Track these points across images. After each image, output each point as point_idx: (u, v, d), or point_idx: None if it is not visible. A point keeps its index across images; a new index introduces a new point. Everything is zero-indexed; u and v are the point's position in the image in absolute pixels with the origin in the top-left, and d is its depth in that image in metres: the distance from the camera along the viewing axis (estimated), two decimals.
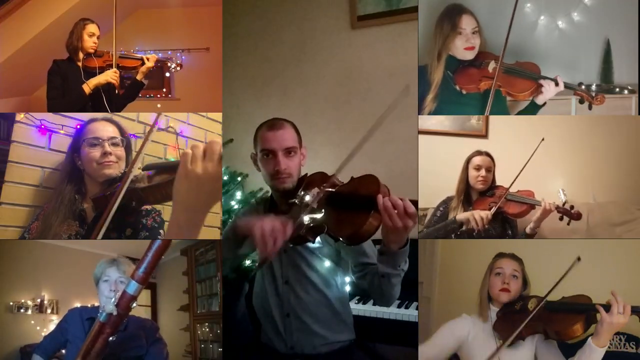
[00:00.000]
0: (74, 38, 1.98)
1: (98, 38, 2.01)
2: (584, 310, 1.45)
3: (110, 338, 1.20)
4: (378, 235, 1.34)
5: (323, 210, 1.38)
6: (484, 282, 1.67)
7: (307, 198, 1.43)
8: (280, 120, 1.61)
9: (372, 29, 2.68)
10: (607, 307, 1.40)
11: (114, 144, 1.68)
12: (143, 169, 1.59)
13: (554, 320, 1.48)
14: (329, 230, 1.35)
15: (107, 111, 1.96)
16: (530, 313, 1.48)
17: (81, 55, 1.99)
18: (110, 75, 1.98)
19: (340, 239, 1.34)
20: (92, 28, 1.99)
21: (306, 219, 1.36)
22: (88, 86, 1.95)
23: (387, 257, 1.44)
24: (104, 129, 1.69)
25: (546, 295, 1.49)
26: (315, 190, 1.44)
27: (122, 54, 2.06)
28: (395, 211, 1.27)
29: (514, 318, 1.55)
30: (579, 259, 1.45)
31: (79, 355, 1.18)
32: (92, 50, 2.00)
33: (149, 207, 1.70)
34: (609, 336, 1.39)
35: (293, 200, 1.48)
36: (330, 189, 1.41)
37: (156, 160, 2.03)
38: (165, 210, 1.83)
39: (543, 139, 1.83)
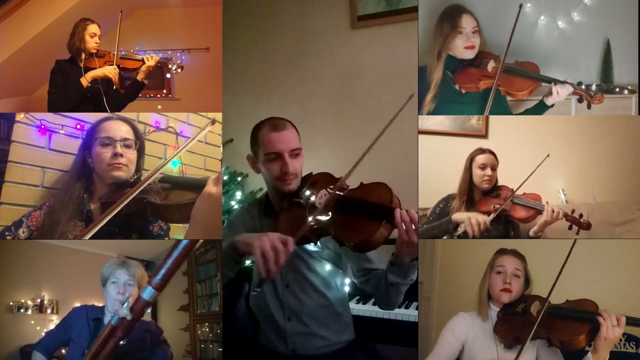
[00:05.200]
0: (75, 39, 1.96)
1: (99, 38, 2.00)
2: (588, 319, 1.39)
3: (121, 342, 1.19)
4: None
5: (330, 213, 1.37)
6: (484, 279, 1.62)
7: (313, 198, 1.43)
8: (282, 120, 1.59)
9: (372, 29, 2.68)
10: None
11: (127, 146, 1.64)
12: (159, 181, 1.56)
13: (557, 328, 1.43)
14: (336, 235, 1.34)
15: (107, 111, 1.95)
16: (534, 319, 1.42)
17: (83, 56, 1.99)
18: (109, 70, 1.96)
19: (347, 245, 1.33)
20: (93, 28, 1.98)
21: (310, 219, 1.35)
22: (86, 79, 1.94)
23: (399, 269, 1.44)
24: (118, 129, 1.65)
25: (548, 297, 1.43)
26: (324, 191, 1.44)
27: (123, 54, 2.05)
28: (413, 226, 1.29)
29: (515, 321, 1.51)
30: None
31: (87, 356, 1.17)
32: (94, 51, 1.99)
33: None
34: (608, 351, 1.35)
35: (298, 199, 1.48)
36: (339, 193, 1.40)
37: (154, 160, 2.03)
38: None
39: (548, 155, 1.80)
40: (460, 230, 1.79)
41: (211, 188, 1.25)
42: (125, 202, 1.41)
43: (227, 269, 1.46)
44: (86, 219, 1.60)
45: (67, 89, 1.96)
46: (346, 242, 1.33)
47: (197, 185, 1.49)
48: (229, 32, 2.88)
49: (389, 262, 1.47)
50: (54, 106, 1.94)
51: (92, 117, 1.85)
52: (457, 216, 1.82)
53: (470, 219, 1.76)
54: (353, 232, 1.31)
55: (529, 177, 1.78)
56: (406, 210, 1.30)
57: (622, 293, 1.67)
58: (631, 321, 1.38)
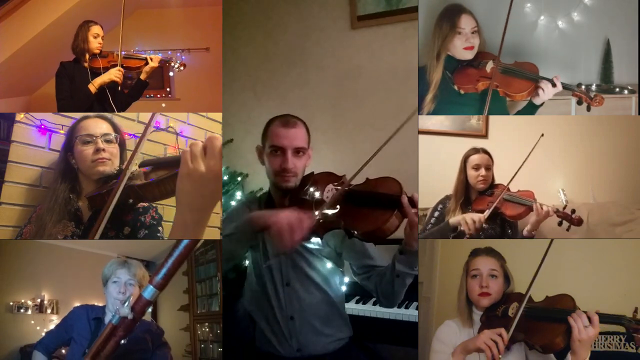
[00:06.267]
0: (79, 40, 2.00)
1: (102, 38, 2.02)
2: (563, 319, 1.35)
3: (122, 341, 1.19)
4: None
5: (338, 207, 1.39)
6: (461, 284, 1.57)
7: (318, 194, 1.46)
8: (294, 118, 1.61)
9: (372, 29, 2.68)
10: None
11: (108, 141, 1.65)
12: (140, 165, 1.57)
13: (535, 331, 1.39)
14: (346, 226, 1.36)
15: (114, 110, 1.98)
16: (512, 321, 1.38)
17: (87, 56, 2.01)
18: (114, 74, 2.00)
19: (358, 235, 1.35)
20: (96, 29, 2.01)
21: (317, 214, 1.37)
22: (93, 85, 1.97)
23: (407, 257, 1.47)
24: (97, 126, 1.67)
25: (527, 296, 1.39)
26: (330, 186, 1.46)
27: (125, 54, 2.07)
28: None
29: (496, 324, 1.45)
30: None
31: (87, 355, 1.17)
32: (97, 51, 2.02)
33: (145, 204, 1.68)
34: (587, 350, 1.31)
35: (303, 197, 1.49)
36: (346, 187, 1.42)
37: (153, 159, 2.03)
38: (165, 208, 1.83)
39: (542, 135, 1.81)
40: (458, 230, 1.80)
41: (186, 167, 1.17)
42: (118, 192, 1.43)
43: (242, 246, 1.46)
44: (75, 218, 1.61)
45: (74, 94, 1.99)
46: (357, 232, 1.35)
47: (175, 162, 1.49)
48: (229, 32, 2.88)
49: (397, 252, 1.50)
50: (62, 107, 1.97)
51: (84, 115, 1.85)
52: (453, 219, 1.83)
53: (464, 218, 1.77)
54: (364, 222, 1.34)
55: (524, 162, 1.78)
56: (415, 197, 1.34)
57: (621, 293, 1.66)
58: (605, 319, 1.34)
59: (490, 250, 1.57)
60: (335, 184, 1.47)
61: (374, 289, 1.62)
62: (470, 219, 1.76)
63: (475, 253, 1.58)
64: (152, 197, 1.50)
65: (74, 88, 1.99)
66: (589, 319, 1.32)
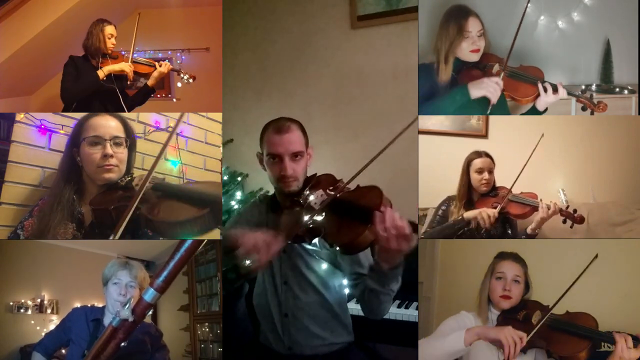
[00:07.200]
0: (94, 40, 1.99)
1: (116, 39, 2.02)
2: (588, 336, 1.42)
3: (122, 343, 1.19)
4: None
5: (324, 214, 1.38)
6: (484, 283, 1.63)
7: (311, 198, 1.45)
8: (287, 122, 1.58)
9: (372, 29, 2.68)
10: (611, 339, 1.41)
11: (117, 144, 1.58)
12: (152, 189, 1.53)
13: (558, 342, 1.44)
14: (325, 235, 1.35)
15: (124, 110, 1.98)
16: (533, 328, 1.44)
17: (100, 57, 2.01)
18: (125, 66, 1.99)
19: (335, 246, 1.35)
20: (110, 29, 2.00)
21: (306, 219, 1.37)
22: (102, 72, 1.97)
23: (377, 275, 1.44)
24: (107, 125, 1.59)
25: (551, 309, 1.47)
26: (320, 192, 1.45)
27: (136, 57, 2.06)
28: (394, 232, 1.24)
29: (515, 327, 1.48)
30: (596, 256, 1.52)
31: (87, 357, 1.17)
32: (109, 51, 2.01)
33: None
34: None
35: (297, 199, 1.49)
36: (334, 194, 1.41)
37: (154, 160, 2.02)
38: None
39: (543, 135, 1.81)
40: (472, 225, 1.82)
41: None
42: (127, 218, 1.41)
43: (226, 261, 1.49)
44: (77, 221, 1.57)
45: (80, 77, 1.97)
46: (333, 243, 1.35)
47: (187, 197, 1.49)
48: (229, 32, 2.88)
49: (369, 267, 1.48)
50: (66, 90, 1.97)
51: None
52: (468, 214, 1.84)
53: (481, 213, 1.80)
54: (340, 233, 1.32)
55: (526, 162, 1.80)
56: (393, 216, 1.25)
57: (622, 293, 1.67)
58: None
59: (516, 257, 1.63)
60: (330, 188, 1.45)
61: (357, 298, 1.61)
62: (486, 214, 1.79)
63: (502, 256, 1.64)
64: (164, 234, 1.46)
65: (80, 78, 1.98)
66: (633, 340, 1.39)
